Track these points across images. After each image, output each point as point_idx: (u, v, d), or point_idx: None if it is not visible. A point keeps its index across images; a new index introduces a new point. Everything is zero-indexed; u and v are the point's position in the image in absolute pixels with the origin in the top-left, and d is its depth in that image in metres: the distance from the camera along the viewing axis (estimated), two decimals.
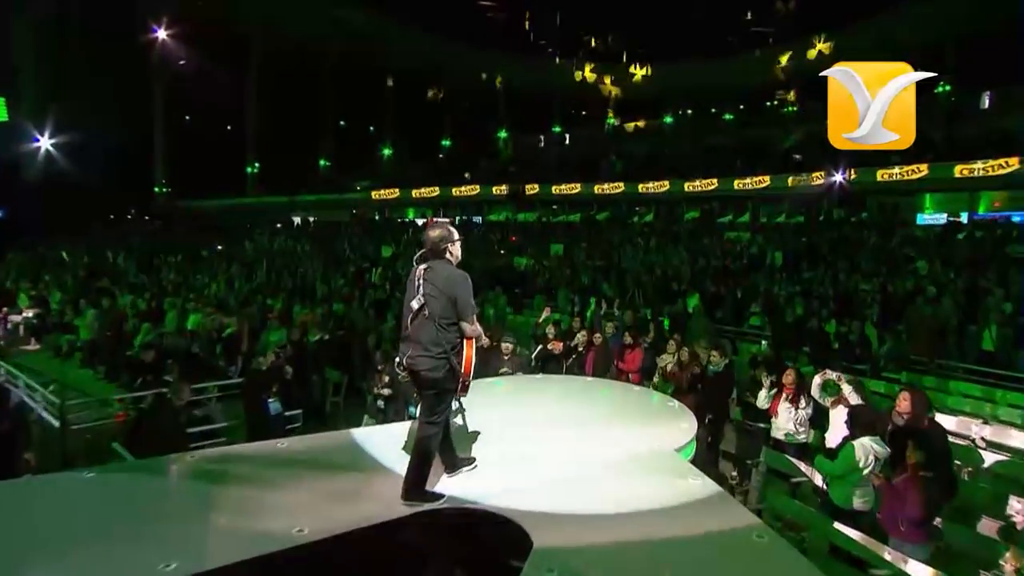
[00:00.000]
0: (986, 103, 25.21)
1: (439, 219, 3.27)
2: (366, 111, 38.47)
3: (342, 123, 38.94)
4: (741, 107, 35.87)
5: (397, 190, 33.99)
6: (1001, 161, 19.64)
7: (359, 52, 35.05)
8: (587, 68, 39.21)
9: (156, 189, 33.53)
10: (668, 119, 37.34)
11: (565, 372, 6.82)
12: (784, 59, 33.83)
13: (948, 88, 26.16)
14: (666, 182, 28.17)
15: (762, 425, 5.73)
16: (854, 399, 4.70)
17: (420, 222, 32.42)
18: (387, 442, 3.74)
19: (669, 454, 3.82)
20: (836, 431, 4.84)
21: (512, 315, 12.58)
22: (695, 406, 5.75)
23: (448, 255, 3.08)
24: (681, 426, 4.29)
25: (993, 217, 20.91)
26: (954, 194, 22.04)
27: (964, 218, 21.43)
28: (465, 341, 3.02)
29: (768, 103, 35.96)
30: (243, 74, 33.66)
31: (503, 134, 40.49)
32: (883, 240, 16.82)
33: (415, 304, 2.94)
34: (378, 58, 36.37)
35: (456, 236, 3.12)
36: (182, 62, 29.11)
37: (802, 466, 4.90)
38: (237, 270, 15.51)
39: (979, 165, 20.28)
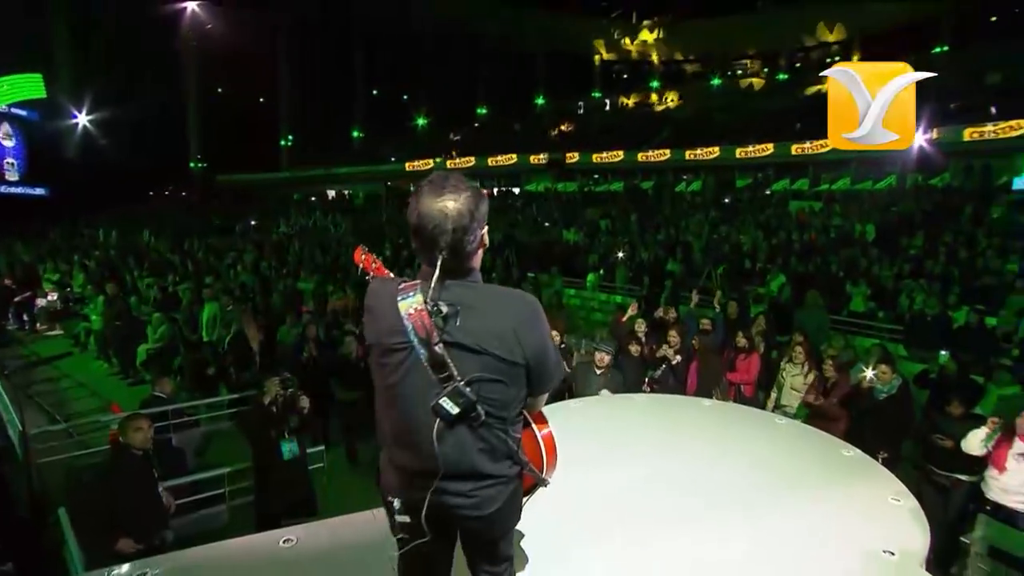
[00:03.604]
0: None
1: (441, 173, 1.34)
2: (398, 79, 36.33)
3: (374, 92, 37.00)
4: (797, 65, 32.28)
5: (431, 160, 32.23)
6: None
7: (389, 17, 32.85)
8: (644, 32, 35.53)
9: (192, 164, 32.61)
10: (716, 80, 34.05)
11: (649, 385, 5.14)
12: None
13: None
14: (716, 148, 25.55)
15: (963, 477, 3.93)
16: None
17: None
18: None
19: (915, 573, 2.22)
20: None
21: (569, 298, 10.89)
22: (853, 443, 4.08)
23: (475, 257, 1.35)
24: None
25: None
26: None
27: None
28: (531, 419, 1.52)
29: (830, 60, 32.21)
30: (274, 43, 31.96)
31: (540, 100, 37.91)
32: (981, 208, 14.24)
33: (448, 406, 1.27)
34: (410, 22, 34.07)
35: (486, 204, 1.34)
36: (209, 26, 27.55)
37: None
38: (268, 250, 14.19)
39: None
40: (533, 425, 1.52)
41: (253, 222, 21.68)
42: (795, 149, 23.60)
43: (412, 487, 1.35)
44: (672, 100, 34.63)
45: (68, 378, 7.83)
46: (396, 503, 1.39)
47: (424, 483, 1.32)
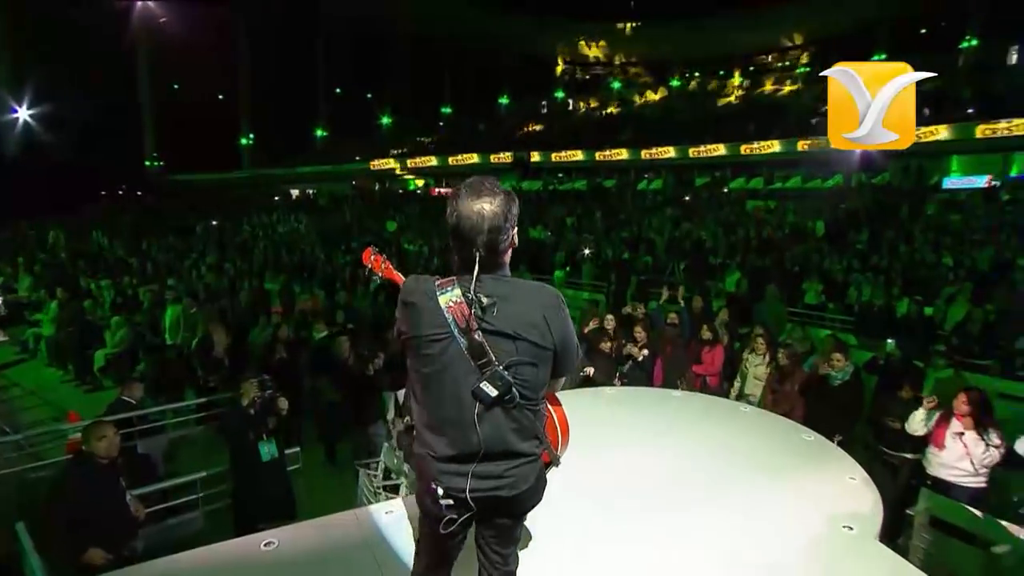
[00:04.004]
0: (1014, 59, 23.06)
1: (478, 178, 1.45)
2: (363, 77, 35.58)
3: (338, 90, 36.15)
4: (751, 68, 33.39)
5: (395, 161, 31.73)
6: None
7: (356, 16, 32.11)
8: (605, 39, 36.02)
9: (147, 163, 31.00)
10: (675, 82, 34.85)
11: (620, 379, 5.23)
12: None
13: (975, 43, 23.95)
14: (670, 148, 26.21)
15: (909, 456, 4.18)
16: None
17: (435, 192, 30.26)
18: None
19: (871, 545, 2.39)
20: None
21: None
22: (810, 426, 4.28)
23: (506, 254, 1.47)
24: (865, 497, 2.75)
25: None
26: (985, 156, 20.09)
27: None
28: (547, 400, 1.62)
29: (780, 64, 33.46)
30: (234, 40, 30.77)
31: (505, 100, 37.92)
32: (916, 205, 15.11)
33: (488, 389, 1.36)
34: (374, 21, 33.40)
35: (517, 206, 1.45)
36: (163, 20, 26.28)
37: (1014, 528, 3.33)
38: (231, 251, 13.66)
39: (1003, 125, 18.39)
40: (549, 406, 1.61)
41: (214, 222, 20.80)
42: (744, 149, 24.43)
43: (452, 472, 1.42)
44: (634, 101, 35.25)
45: (18, 387, 7.37)
46: (440, 490, 1.42)
47: (463, 467, 1.40)
